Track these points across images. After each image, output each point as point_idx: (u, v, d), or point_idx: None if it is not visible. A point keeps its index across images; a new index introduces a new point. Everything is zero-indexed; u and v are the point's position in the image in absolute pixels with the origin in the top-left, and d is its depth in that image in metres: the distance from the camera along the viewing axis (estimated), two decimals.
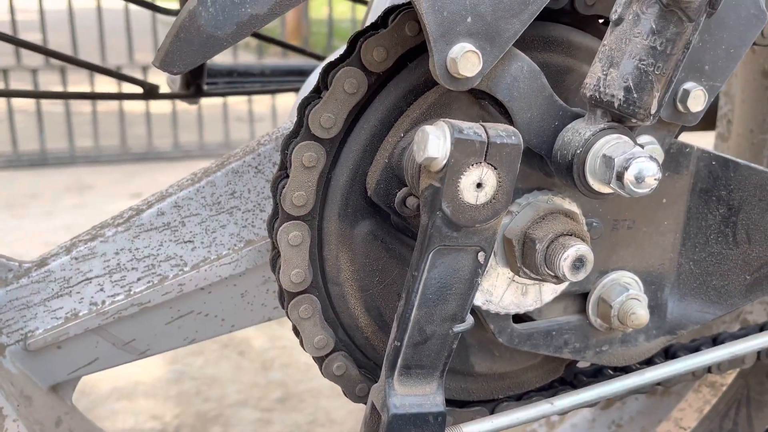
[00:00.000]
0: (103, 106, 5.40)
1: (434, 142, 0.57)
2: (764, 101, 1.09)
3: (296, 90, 1.31)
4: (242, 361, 2.14)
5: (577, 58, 0.71)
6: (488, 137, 0.59)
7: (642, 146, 0.68)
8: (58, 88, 4.81)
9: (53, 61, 4.96)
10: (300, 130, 0.67)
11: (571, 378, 0.85)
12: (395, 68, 0.67)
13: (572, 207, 0.70)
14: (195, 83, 1.24)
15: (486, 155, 0.59)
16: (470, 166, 0.58)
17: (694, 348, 0.90)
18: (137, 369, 2.00)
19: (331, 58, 0.76)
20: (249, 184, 0.83)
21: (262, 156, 0.83)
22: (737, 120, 1.14)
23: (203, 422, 1.83)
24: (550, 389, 0.84)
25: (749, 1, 0.70)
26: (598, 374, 0.86)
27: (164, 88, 1.24)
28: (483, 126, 0.59)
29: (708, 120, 1.22)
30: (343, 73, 0.65)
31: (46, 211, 3.75)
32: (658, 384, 0.87)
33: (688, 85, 0.70)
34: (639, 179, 0.60)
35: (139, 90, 1.16)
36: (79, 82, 4.85)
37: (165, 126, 4.87)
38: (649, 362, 0.87)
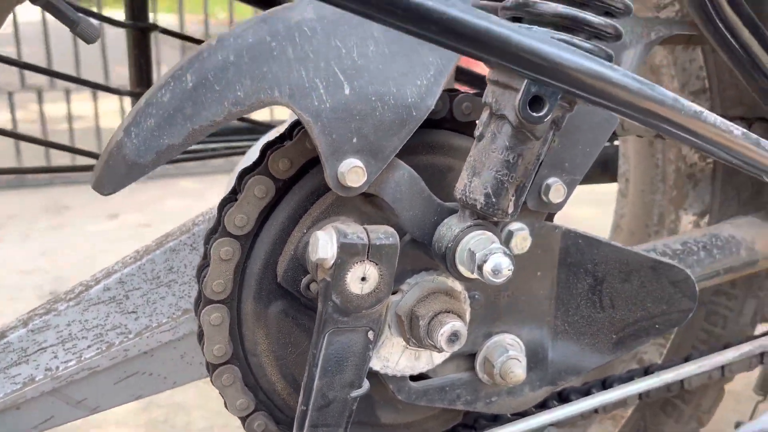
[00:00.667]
0: (80, 123, 5.48)
1: (323, 245, 0.70)
2: (652, 167, 1.22)
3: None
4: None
5: (457, 158, 0.84)
6: (369, 240, 0.71)
7: (510, 233, 0.81)
8: (35, 108, 4.89)
9: (28, 81, 5.05)
10: (218, 227, 0.79)
11: (471, 422, 0.98)
12: (298, 174, 0.79)
13: (455, 285, 0.83)
14: None
15: (368, 254, 0.71)
16: (355, 264, 0.71)
17: (585, 391, 1.04)
18: None
19: (269, 137, 0.88)
20: (185, 260, 0.95)
21: (196, 235, 0.95)
22: (632, 180, 1.28)
23: None
24: None
25: (601, 108, 0.83)
26: (496, 419, 0.99)
27: None
28: (365, 229, 0.72)
29: (612, 173, 1.36)
30: (254, 180, 0.78)
31: (23, 234, 3.82)
32: (552, 425, 1.00)
33: (550, 180, 0.83)
34: (495, 271, 0.73)
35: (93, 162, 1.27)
36: (55, 100, 4.94)
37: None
38: (543, 406, 1.00)
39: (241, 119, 1.70)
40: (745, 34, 0.84)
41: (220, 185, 4.93)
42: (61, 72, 1.26)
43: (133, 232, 3.94)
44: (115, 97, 5.15)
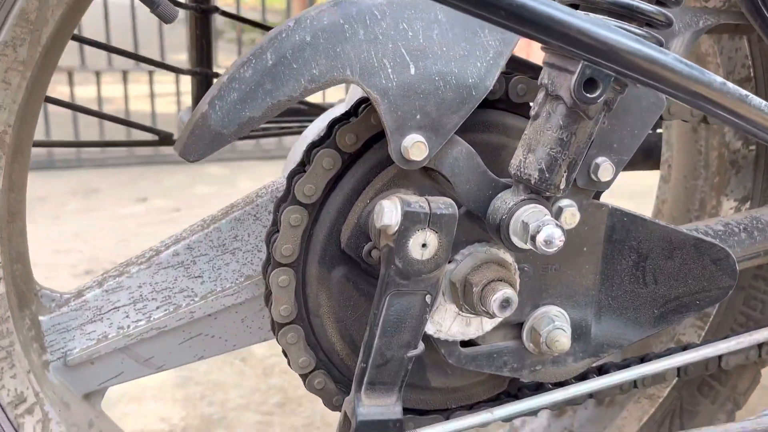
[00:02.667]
0: (108, 107, 5.63)
1: (389, 213, 0.79)
2: (695, 153, 1.29)
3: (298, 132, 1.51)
4: (244, 367, 2.36)
5: (510, 137, 0.92)
6: (431, 209, 0.80)
7: (560, 209, 0.89)
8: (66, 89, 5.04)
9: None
10: (288, 196, 0.88)
11: (515, 391, 1.06)
12: (363, 148, 0.88)
13: (506, 256, 0.91)
14: None
15: (429, 223, 0.80)
16: (416, 231, 0.79)
17: (624, 365, 1.11)
18: None
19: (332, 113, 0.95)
20: (249, 230, 1.04)
21: (259, 207, 1.04)
22: (675, 166, 1.34)
23: (207, 424, 2.05)
24: (497, 400, 1.04)
25: (649, 92, 0.90)
26: (539, 388, 1.07)
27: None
28: (427, 200, 0.80)
29: (656, 161, 1.43)
30: (322, 153, 0.86)
31: (54, 216, 3.96)
32: (590, 396, 1.08)
33: (599, 160, 0.90)
34: (547, 242, 0.80)
35: (154, 137, 1.37)
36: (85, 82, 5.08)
37: (171, 128, 5.07)
38: (583, 377, 1.08)
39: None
40: None
41: (248, 171, 5.02)
42: (137, 54, 1.37)
43: (164, 217, 4.06)
44: (170, 81, 5.30)
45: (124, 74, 5.19)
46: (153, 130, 1.34)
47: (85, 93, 5.47)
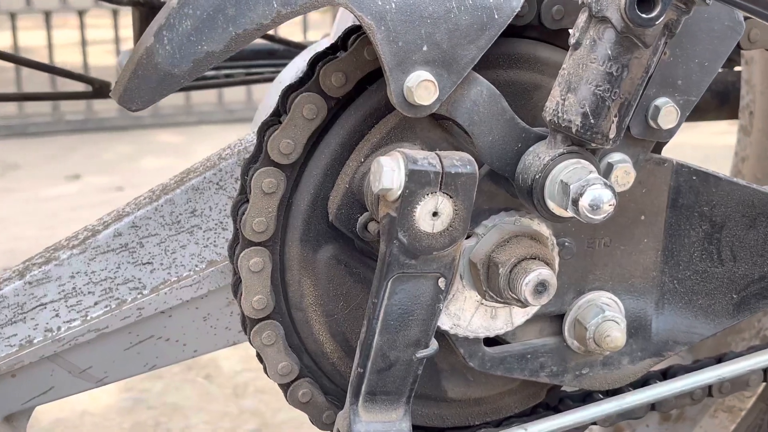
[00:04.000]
0: (31, 56, 5.63)
1: (389, 173, 0.79)
2: None
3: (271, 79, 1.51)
4: (210, 386, 2.37)
5: (545, 74, 0.92)
6: (443, 167, 0.80)
7: (610, 165, 0.89)
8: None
9: None
10: (259, 155, 0.88)
11: (555, 403, 1.07)
12: (355, 92, 0.88)
13: (540, 228, 0.91)
14: None
15: (441, 185, 0.80)
16: (425, 196, 0.80)
17: (695, 368, 1.12)
18: (85, 397, 2.23)
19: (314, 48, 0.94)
20: (210, 202, 1.05)
21: (223, 171, 1.04)
22: (758, 113, 1.34)
23: None
24: (533, 415, 1.05)
25: (723, 13, 0.90)
26: (587, 399, 1.07)
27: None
28: (438, 155, 0.80)
29: (733, 108, 1.43)
30: (302, 98, 0.86)
31: None
32: (652, 408, 1.09)
33: (659, 102, 0.90)
34: (594, 207, 0.80)
35: (87, 88, 1.37)
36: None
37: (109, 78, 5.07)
38: (643, 384, 1.09)
39: (266, 37, 1.79)
40: None
41: (209, 138, 5.02)
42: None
43: (103, 198, 4.07)
44: (106, 25, 5.29)
45: (47, 16, 5.17)
46: (85, 78, 1.33)
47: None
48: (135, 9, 1.40)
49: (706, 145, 3.75)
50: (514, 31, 0.90)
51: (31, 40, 5.80)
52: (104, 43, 5.83)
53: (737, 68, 1.47)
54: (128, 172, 4.54)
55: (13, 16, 5.18)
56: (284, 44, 1.70)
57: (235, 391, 2.35)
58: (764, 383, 1.14)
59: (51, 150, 4.85)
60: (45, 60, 5.33)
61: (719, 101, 1.47)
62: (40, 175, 4.51)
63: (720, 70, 0.96)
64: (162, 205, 1.04)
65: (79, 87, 1.39)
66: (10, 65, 4.17)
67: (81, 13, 5.22)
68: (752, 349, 1.13)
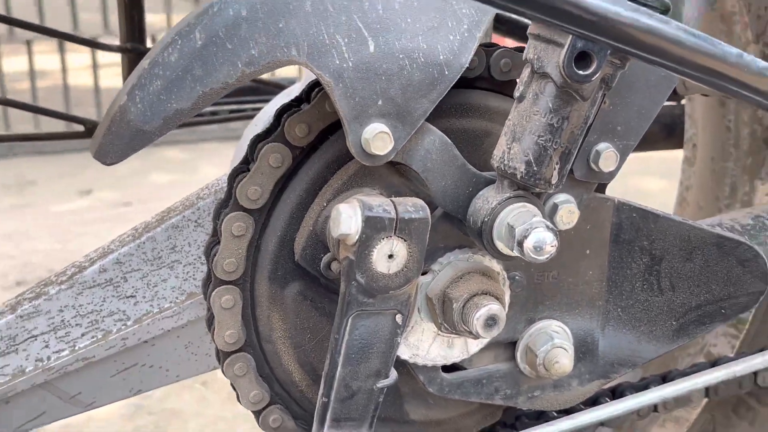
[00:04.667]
0: (44, 81, 5.61)
1: (347, 219, 0.78)
2: (723, 130, 1.29)
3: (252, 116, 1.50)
4: (206, 392, 2.36)
5: (495, 122, 0.91)
6: (397, 213, 0.79)
7: (555, 206, 0.89)
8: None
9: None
10: (229, 200, 0.87)
11: (512, 421, 1.06)
12: (317, 141, 0.87)
13: (492, 264, 0.91)
14: None
15: (396, 229, 0.79)
16: (381, 240, 0.79)
17: (642, 387, 1.11)
18: None
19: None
20: (189, 238, 1.04)
21: (201, 210, 1.03)
22: (700, 145, 1.34)
23: None
24: None
25: None
26: (540, 417, 1.07)
27: None
28: (393, 202, 0.80)
29: (679, 139, 1.43)
30: (268, 148, 0.85)
31: None
32: (602, 424, 1.08)
33: (600, 147, 0.90)
34: (537, 248, 0.80)
35: (80, 128, 1.36)
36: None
37: None
38: (593, 403, 1.08)
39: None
40: None
41: (212, 155, 5.02)
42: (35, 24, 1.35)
43: (111, 213, 4.06)
44: (84, 51, 5.28)
45: (60, 43, 5.16)
46: (77, 119, 1.33)
47: (14, 66, 5.45)
48: (123, 55, 1.40)
49: (671, 158, 3.74)
50: (465, 82, 0.89)
51: (46, 63, 5.78)
52: (115, 66, 5.80)
53: (683, 101, 1.47)
54: (137, 187, 4.53)
55: (29, 43, 5.16)
56: (263, 84, 1.70)
57: (229, 397, 2.32)
58: (706, 399, 1.14)
59: (65, 167, 4.82)
60: (59, 82, 5.33)
61: (667, 133, 1.47)
62: (54, 191, 4.49)
63: (667, 104, 0.96)
64: (144, 242, 1.03)
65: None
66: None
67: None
68: (694, 367, 1.13)
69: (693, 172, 1.36)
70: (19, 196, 4.40)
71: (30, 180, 4.69)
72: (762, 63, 0.75)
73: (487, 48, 0.90)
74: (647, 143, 1.49)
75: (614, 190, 0.96)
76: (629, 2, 0.72)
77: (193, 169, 4.80)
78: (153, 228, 1.03)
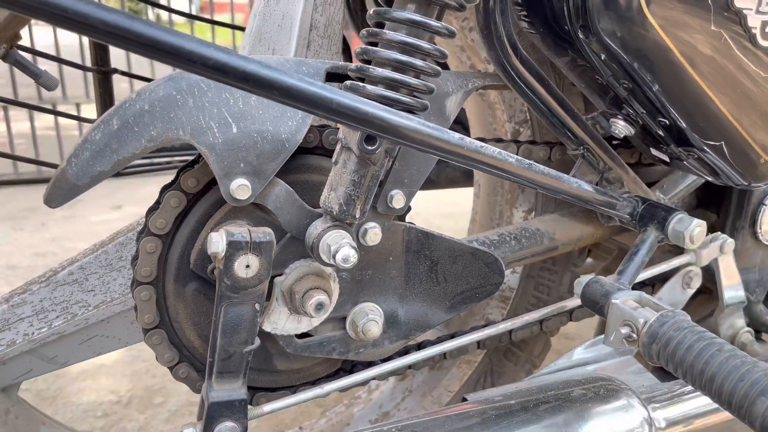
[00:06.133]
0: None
1: (216, 243, 0.79)
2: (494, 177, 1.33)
3: None
4: None
5: (327, 176, 0.93)
6: (251, 238, 0.80)
7: (365, 230, 0.91)
8: None
9: None
10: (145, 228, 0.87)
11: (350, 367, 1.08)
12: (205, 189, 0.88)
13: (325, 268, 0.92)
14: None
15: (250, 248, 0.80)
16: (240, 256, 0.80)
17: (436, 342, 1.14)
18: (102, 356, 2.16)
19: None
20: (131, 251, 1.03)
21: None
22: (482, 184, 1.38)
23: (149, 394, 2.02)
24: (335, 375, 1.06)
25: None
26: (370, 364, 1.09)
27: None
28: (249, 230, 0.81)
29: (472, 180, 1.46)
30: (170, 194, 0.86)
31: (41, 223, 3.80)
32: (410, 367, 1.11)
33: (393, 192, 0.92)
34: (344, 259, 0.82)
35: None
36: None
37: None
38: (405, 353, 1.11)
39: None
40: (534, 81, 0.94)
41: None
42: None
43: (134, 221, 3.94)
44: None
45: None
46: (55, 165, 1.31)
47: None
48: (94, 75, 1.35)
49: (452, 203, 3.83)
50: (307, 150, 0.91)
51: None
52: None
53: None
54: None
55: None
56: None
57: None
58: (478, 349, 1.18)
59: (104, 189, 4.66)
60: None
61: (466, 175, 1.51)
62: (95, 206, 4.33)
63: None
64: (100, 254, 1.02)
65: None
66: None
67: (78, 105, 4.98)
68: (473, 329, 1.16)
69: (479, 202, 1.40)
70: (69, 210, 4.23)
71: (79, 198, 4.52)
72: (476, 143, 0.78)
73: (320, 128, 0.92)
74: (453, 182, 1.53)
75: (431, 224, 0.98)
76: (398, 101, 0.74)
77: None
78: (106, 244, 1.02)
